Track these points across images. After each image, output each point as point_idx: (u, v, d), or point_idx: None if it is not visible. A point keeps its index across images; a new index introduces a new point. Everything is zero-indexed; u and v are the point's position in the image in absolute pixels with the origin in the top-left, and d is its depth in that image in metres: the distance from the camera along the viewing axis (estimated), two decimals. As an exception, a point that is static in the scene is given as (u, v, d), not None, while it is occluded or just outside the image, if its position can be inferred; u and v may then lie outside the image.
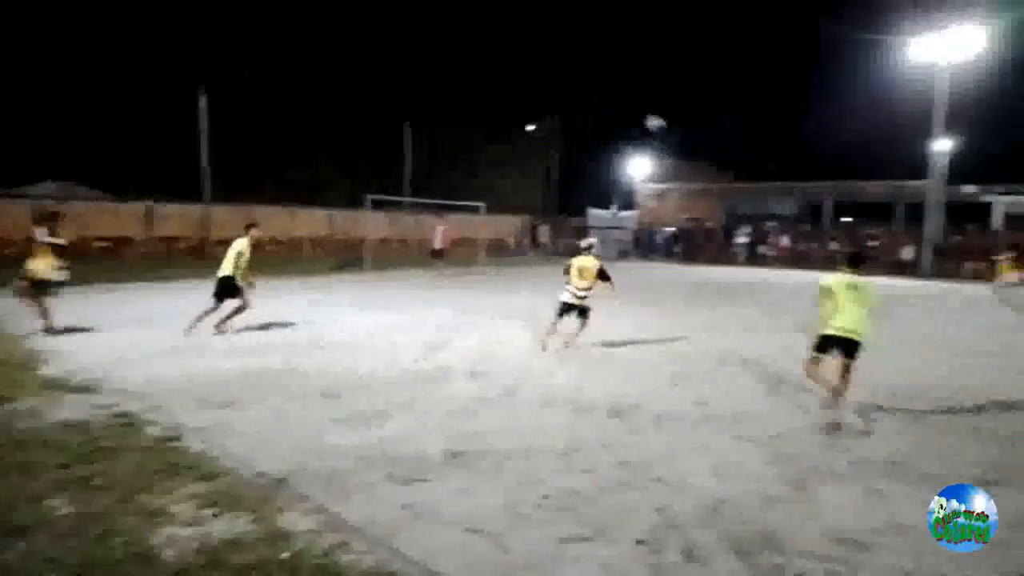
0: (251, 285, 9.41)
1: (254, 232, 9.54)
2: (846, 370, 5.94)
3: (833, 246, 27.79)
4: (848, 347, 5.94)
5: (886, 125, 33.99)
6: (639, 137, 37.01)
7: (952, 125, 25.97)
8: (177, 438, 4.94)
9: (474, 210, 25.72)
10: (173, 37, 32.90)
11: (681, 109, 52.61)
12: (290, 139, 33.82)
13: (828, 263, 26.09)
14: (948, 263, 25.01)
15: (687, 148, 41.93)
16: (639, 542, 3.59)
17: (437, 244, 21.22)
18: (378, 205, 24.49)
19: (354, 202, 26.15)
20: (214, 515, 3.73)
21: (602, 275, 8.79)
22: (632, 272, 23.97)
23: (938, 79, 24.55)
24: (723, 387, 7.09)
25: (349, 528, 3.68)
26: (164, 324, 9.72)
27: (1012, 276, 15.56)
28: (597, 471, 4.58)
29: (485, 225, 28.02)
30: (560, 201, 42.02)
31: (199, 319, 9.03)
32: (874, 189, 33.39)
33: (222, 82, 25.29)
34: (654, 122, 9.38)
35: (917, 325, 12.22)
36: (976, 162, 31.18)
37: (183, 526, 3.60)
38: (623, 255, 32.27)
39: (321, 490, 4.14)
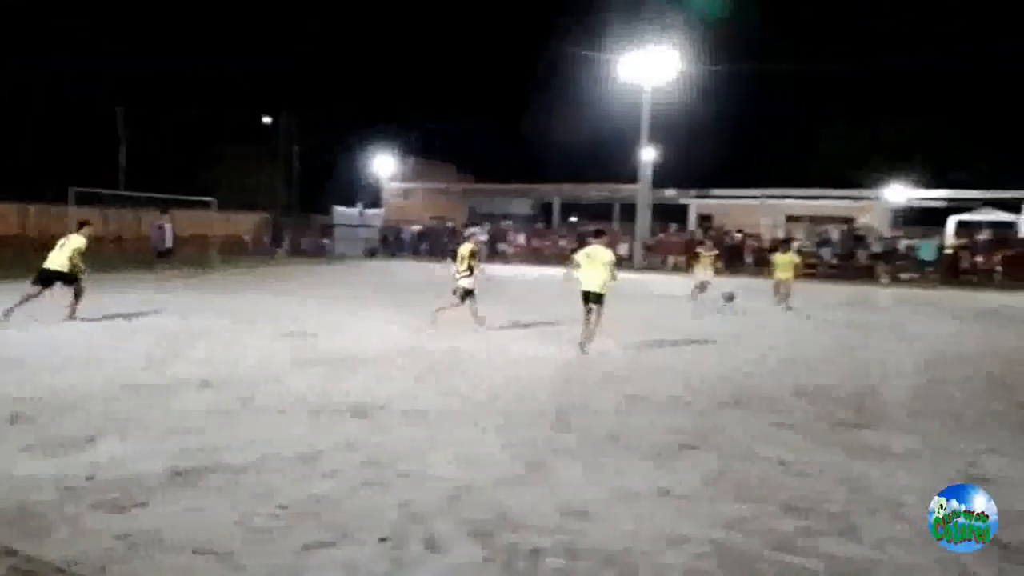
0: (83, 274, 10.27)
1: (87, 230, 10.61)
2: (596, 313, 8.81)
3: (562, 243, 30.25)
4: (593, 297, 8.82)
5: (605, 133, 37.81)
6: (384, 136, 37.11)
7: (655, 136, 29.62)
8: None
9: (205, 205, 23.77)
10: None
11: (422, 111, 53.61)
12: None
13: (558, 259, 28.50)
14: (655, 257, 28.50)
15: (430, 149, 42.89)
16: (382, 539, 3.58)
17: (166, 243, 19.27)
18: (86, 199, 21.55)
19: (55, 196, 22.74)
20: None
21: (472, 255, 10.37)
22: (380, 271, 23.91)
23: (644, 96, 27.81)
24: (467, 379, 7.33)
25: (49, 569, 3.18)
26: None
27: (708, 273, 15.87)
28: (340, 474, 4.47)
29: (219, 222, 26.05)
30: (303, 198, 40.51)
31: (20, 304, 9.64)
32: (594, 192, 36.88)
33: None
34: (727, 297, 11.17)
35: (629, 312, 13.70)
36: (675, 169, 35.97)
37: None
38: (371, 253, 32.03)
39: (10, 529, 3.54)
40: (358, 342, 9.26)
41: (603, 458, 4.94)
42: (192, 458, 4.65)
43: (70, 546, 3.42)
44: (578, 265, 8.94)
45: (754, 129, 50.80)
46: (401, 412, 5.95)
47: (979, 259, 24.29)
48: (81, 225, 10.69)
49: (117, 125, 28.89)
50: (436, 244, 31.92)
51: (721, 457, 5.03)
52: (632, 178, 30.29)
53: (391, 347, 9.01)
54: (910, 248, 25.64)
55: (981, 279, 23.62)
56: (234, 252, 28.51)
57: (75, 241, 10.27)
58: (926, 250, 24.92)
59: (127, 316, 10.98)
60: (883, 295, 19.45)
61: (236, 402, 6.13)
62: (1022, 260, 23.74)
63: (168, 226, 19.37)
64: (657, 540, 3.65)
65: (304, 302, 13.71)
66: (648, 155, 29.57)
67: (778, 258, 15.29)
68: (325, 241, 32.78)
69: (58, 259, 10.10)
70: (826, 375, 8.12)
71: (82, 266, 10.24)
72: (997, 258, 24.05)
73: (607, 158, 39.50)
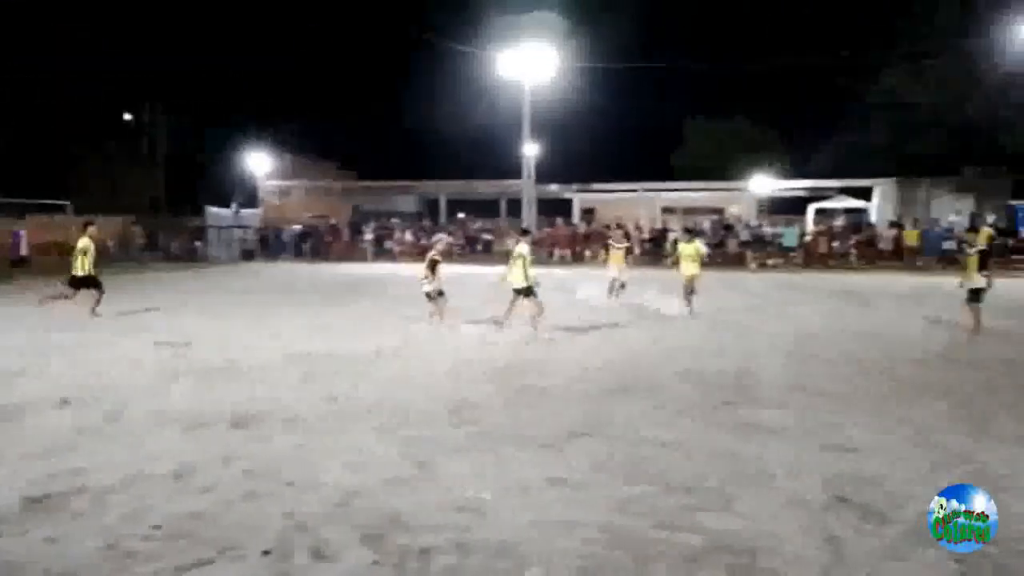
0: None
1: (91, 230, 11.79)
2: (527, 306, 10.16)
3: (450, 240, 30.17)
4: (518, 292, 10.19)
5: (490, 130, 37.98)
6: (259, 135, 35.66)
7: (538, 132, 30.08)
8: None
9: (60, 209, 21.97)
10: None
11: (298, 107, 51.95)
12: None
13: (445, 256, 28.32)
14: (542, 251, 28.96)
15: (308, 146, 41.53)
16: (265, 552, 3.43)
17: (21, 251, 17.94)
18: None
19: None
20: None
21: (432, 265, 10.76)
22: (259, 273, 22.96)
23: (524, 92, 28.14)
24: (352, 381, 7.16)
25: None
26: None
27: (620, 268, 14.56)
28: (218, 487, 4.25)
29: (78, 227, 24.14)
30: (172, 199, 38.17)
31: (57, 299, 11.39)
32: (482, 187, 36.99)
33: None
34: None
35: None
36: (559, 164, 36.70)
37: None
38: (248, 255, 30.68)
39: None
40: (235, 349, 8.84)
41: (495, 451, 4.96)
42: (51, 483, 4.29)
43: (-95, 591, 3.07)
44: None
45: (628, 124, 52.69)
46: (283, 420, 5.73)
47: (836, 244, 26.27)
48: (85, 226, 11.75)
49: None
50: (319, 244, 31.02)
51: (609, 442, 5.17)
52: (518, 173, 30.61)
53: (270, 353, 8.65)
54: (775, 235, 27.38)
55: (838, 262, 25.56)
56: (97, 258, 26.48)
57: (81, 244, 11.51)
58: (789, 237, 26.69)
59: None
60: (752, 280, 20.66)
61: (101, 419, 5.70)
62: (873, 244, 25.89)
63: (23, 233, 18.07)
64: (548, 528, 3.71)
65: (175, 309, 12.95)
66: (530, 150, 29.98)
67: (684, 248, 12.99)
68: (197, 244, 31.07)
69: (76, 266, 11.43)
70: (704, 359, 8.52)
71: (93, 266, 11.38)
72: (851, 242, 26.11)
73: (493, 154, 39.73)
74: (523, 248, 10.37)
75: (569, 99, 33.42)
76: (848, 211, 31.31)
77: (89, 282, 11.41)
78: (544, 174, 32.90)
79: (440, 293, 10.85)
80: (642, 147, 48.77)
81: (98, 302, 11.42)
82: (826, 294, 16.44)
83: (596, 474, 4.54)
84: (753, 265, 25.35)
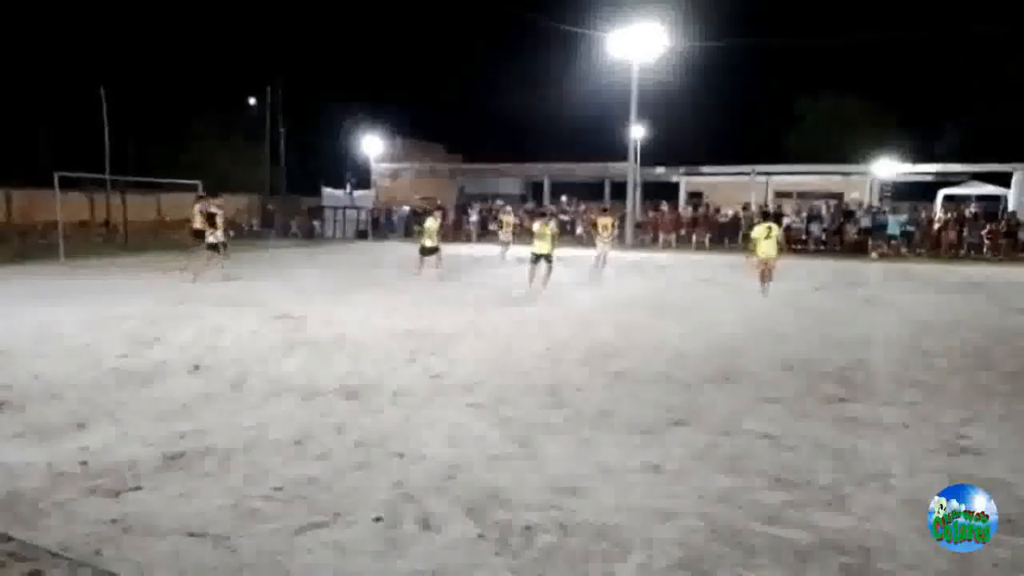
0: None
1: (437, 214, 16.43)
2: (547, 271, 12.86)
3: (552, 223, 30.14)
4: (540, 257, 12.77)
5: (595, 111, 37.60)
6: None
7: (645, 113, 29.45)
8: None
9: (191, 188, 23.50)
10: None
11: (410, 90, 53.10)
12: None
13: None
14: (646, 235, 28.50)
15: (419, 128, 42.51)
16: (376, 519, 3.60)
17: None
18: (69, 183, 21.25)
19: (36, 179, 22.45)
20: None
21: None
22: (371, 252, 23.80)
23: (632, 72, 27.57)
24: (456, 359, 7.34)
25: (42, 554, 3.20)
26: None
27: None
28: (332, 455, 4.49)
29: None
30: (289, 180, 40.05)
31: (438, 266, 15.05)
32: (584, 170, 36.71)
33: None
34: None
35: (617, 289, 13.74)
36: (666, 146, 35.92)
37: None
38: (362, 235, 31.84)
39: (4, 516, 3.55)
40: (347, 324, 9.24)
41: (592, 434, 4.97)
42: (184, 442, 4.66)
43: (64, 531, 3.43)
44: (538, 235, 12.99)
45: (736, 103, 50.59)
46: (391, 393, 5.96)
47: (966, 233, 24.38)
48: (433, 212, 15.06)
49: (101, 105, 28.08)
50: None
51: (709, 432, 5.06)
52: (623, 156, 30.16)
53: (380, 328, 8.99)
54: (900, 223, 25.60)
55: (970, 253, 23.74)
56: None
57: (427, 224, 15.74)
58: (892, 225, 24.61)
59: (110, 299, 10.90)
60: (869, 269, 19.54)
61: (225, 386, 6.12)
62: (1011, 234, 23.85)
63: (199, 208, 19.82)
64: (648, 515, 3.69)
65: (293, 285, 13.65)
66: (637, 132, 29.45)
67: (758, 231, 12.92)
68: (315, 223, 32.54)
69: (424, 238, 15.51)
70: (811, 349, 8.17)
71: None
72: (983, 232, 24.15)
73: (597, 136, 39.33)
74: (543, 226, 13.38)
75: (675, 79, 32.45)
76: (981, 198, 28.97)
77: (433, 251, 15.12)
78: (650, 156, 32.30)
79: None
80: (750, 127, 46.77)
81: (438, 264, 15.09)
82: (950, 286, 15.32)
83: (696, 463, 4.46)
84: (874, 254, 23.91)
